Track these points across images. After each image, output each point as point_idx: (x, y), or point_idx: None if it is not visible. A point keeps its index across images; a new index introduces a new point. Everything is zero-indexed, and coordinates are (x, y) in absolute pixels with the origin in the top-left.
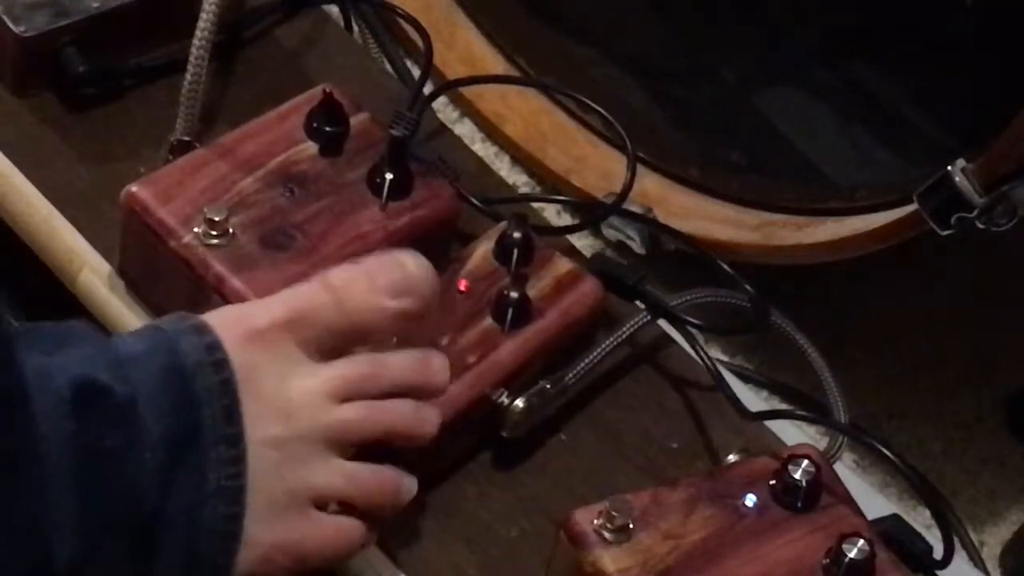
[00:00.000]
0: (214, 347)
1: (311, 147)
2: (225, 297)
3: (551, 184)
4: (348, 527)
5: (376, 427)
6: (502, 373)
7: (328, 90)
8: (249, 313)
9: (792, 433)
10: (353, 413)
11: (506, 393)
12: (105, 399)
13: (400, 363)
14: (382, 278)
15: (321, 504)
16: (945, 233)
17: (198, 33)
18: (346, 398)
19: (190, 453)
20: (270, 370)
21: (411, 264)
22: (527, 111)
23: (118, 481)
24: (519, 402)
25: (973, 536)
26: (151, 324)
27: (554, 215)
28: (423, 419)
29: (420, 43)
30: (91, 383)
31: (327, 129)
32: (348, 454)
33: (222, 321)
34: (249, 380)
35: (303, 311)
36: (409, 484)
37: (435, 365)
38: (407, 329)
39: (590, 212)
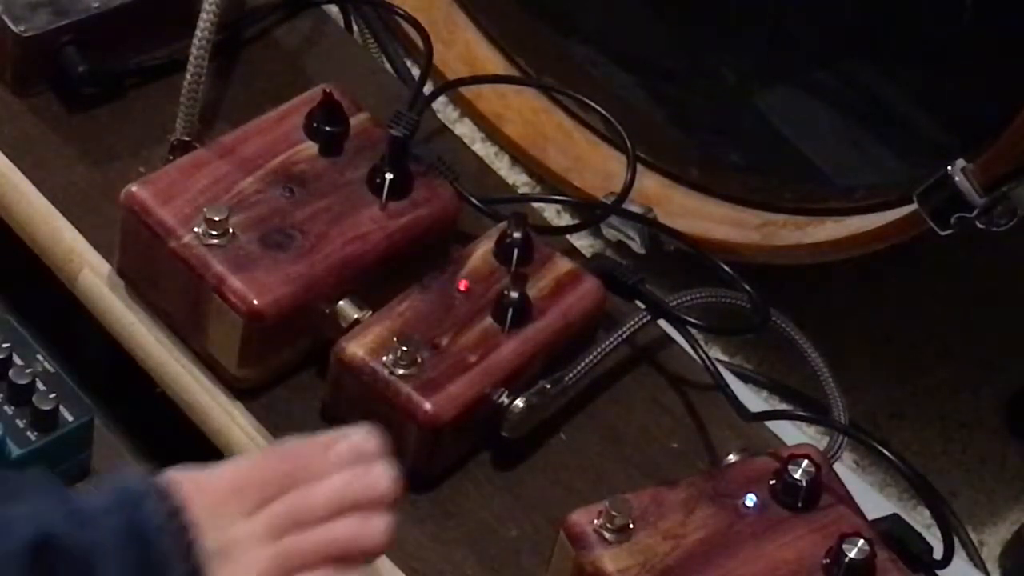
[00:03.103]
0: (177, 511)
1: (311, 147)
2: (225, 297)
3: (551, 184)
4: None
5: (308, 555)
6: (502, 373)
7: (328, 90)
8: (200, 476)
9: (792, 433)
10: (280, 549)
11: (506, 393)
12: (64, 556)
13: (328, 487)
14: (337, 452)
15: None
16: (945, 233)
17: (198, 33)
18: (277, 537)
19: None
20: (212, 528)
21: (368, 442)
22: (527, 111)
23: None
24: (519, 402)
25: (973, 536)
26: (112, 478)
27: (554, 215)
28: (370, 530)
29: (420, 43)
30: (50, 538)
31: (327, 129)
32: None
33: (173, 479)
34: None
35: (252, 478)
36: (375, 526)
37: (376, 473)
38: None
39: (590, 212)
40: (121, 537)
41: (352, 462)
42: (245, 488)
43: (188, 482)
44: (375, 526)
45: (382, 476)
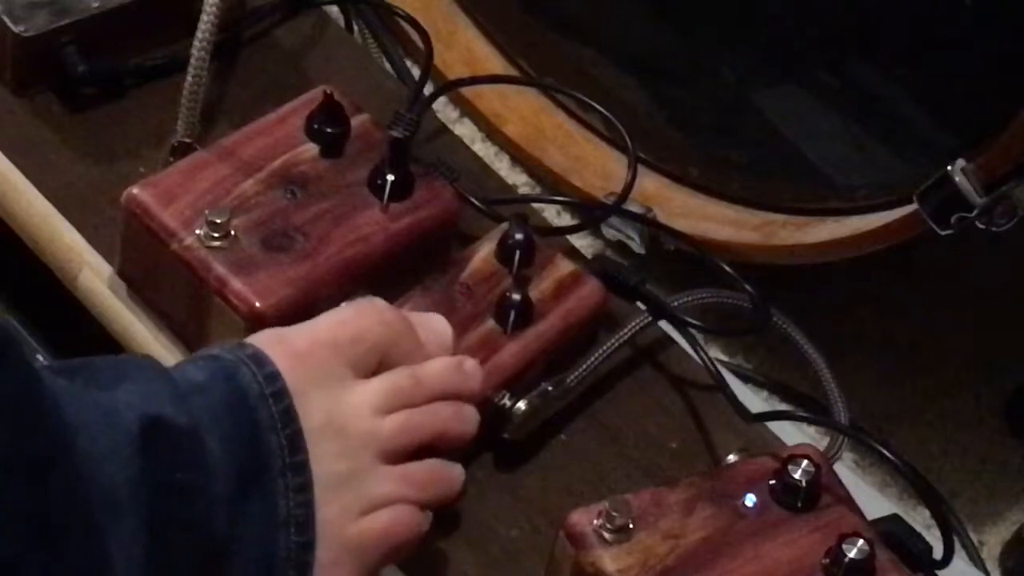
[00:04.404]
0: (273, 377)
1: (312, 149)
2: (227, 299)
3: (551, 184)
4: (402, 515)
5: (422, 433)
6: (504, 375)
7: (328, 91)
8: (290, 334)
9: (792, 433)
10: (400, 423)
11: (508, 395)
12: (172, 433)
13: (436, 371)
14: (417, 320)
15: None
16: (945, 233)
17: (199, 34)
18: (391, 410)
19: (259, 483)
20: (316, 391)
21: (447, 323)
22: (527, 111)
23: (189, 514)
24: (521, 404)
25: (973, 536)
26: (206, 353)
27: (554, 215)
28: (464, 419)
29: (420, 43)
30: (157, 418)
31: (328, 130)
32: (399, 461)
33: (263, 342)
34: (298, 401)
35: (347, 331)
36: (456, 473)
37: (468, 370)
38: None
39: (590, 212)
40: (222, 409)
41: (434, 340)
42: (338, 341)
43: (281, 346)
44: (468, 415)
45: (475, 373)
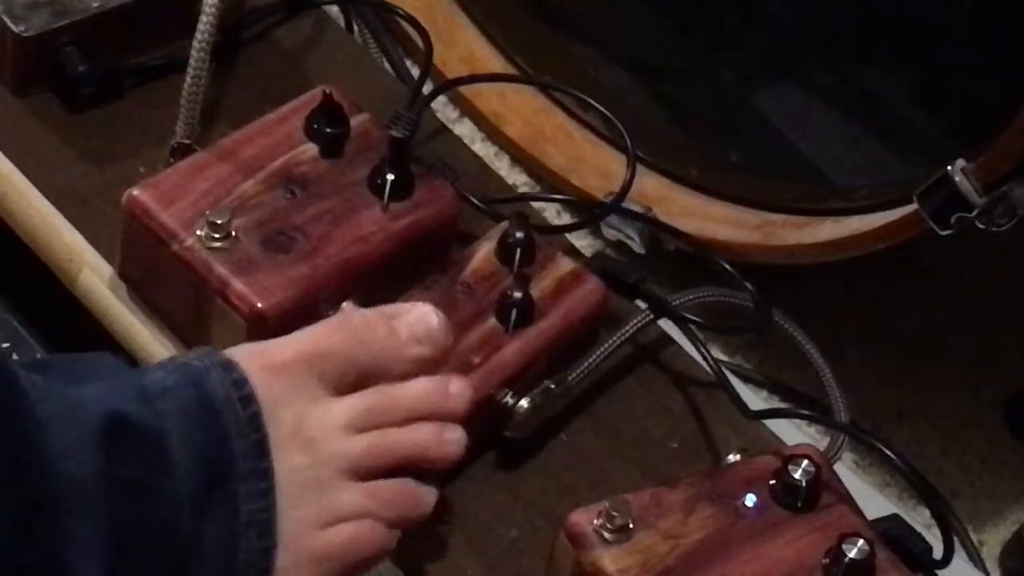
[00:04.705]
0: (241, 383)
1: (312, 149)
2: (228, 300)
3: (550, 184)
4: (365, 530)
5: (393, 453)
6: (506, 373)
7: (328, 91)
8: (270, 348)
9: (792, 433)
10: (369, 442)
11: (510, 393)
12: (136, 432)
13: (416, 391)
14: (402, 323)
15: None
16: (945, 233)
17: (198, 34)
18: (363, 428)
19: (222, 487)
20: (289, 403)
21: (431, 315)
22: (527, 110)
23: (151, 515)
24: (524, 402)
25: (973, 536)
26: (175, 358)
27: (554, 214)
28: (445, 441)
29: (420, 43)
30: (121, 416)
31: (327, 131)
32: (370, 479)
33: (243, 355)
34: (269, 412)
35: (324, 347)
36: (427, 493)
37: (453, 389)
38: (424, 372)
39: (590, 211)
40: (188, 412)
41: (422, 335)
42: (315, 357)
43: (257, 359)
44: (450, 438)
45: (460, 392)
